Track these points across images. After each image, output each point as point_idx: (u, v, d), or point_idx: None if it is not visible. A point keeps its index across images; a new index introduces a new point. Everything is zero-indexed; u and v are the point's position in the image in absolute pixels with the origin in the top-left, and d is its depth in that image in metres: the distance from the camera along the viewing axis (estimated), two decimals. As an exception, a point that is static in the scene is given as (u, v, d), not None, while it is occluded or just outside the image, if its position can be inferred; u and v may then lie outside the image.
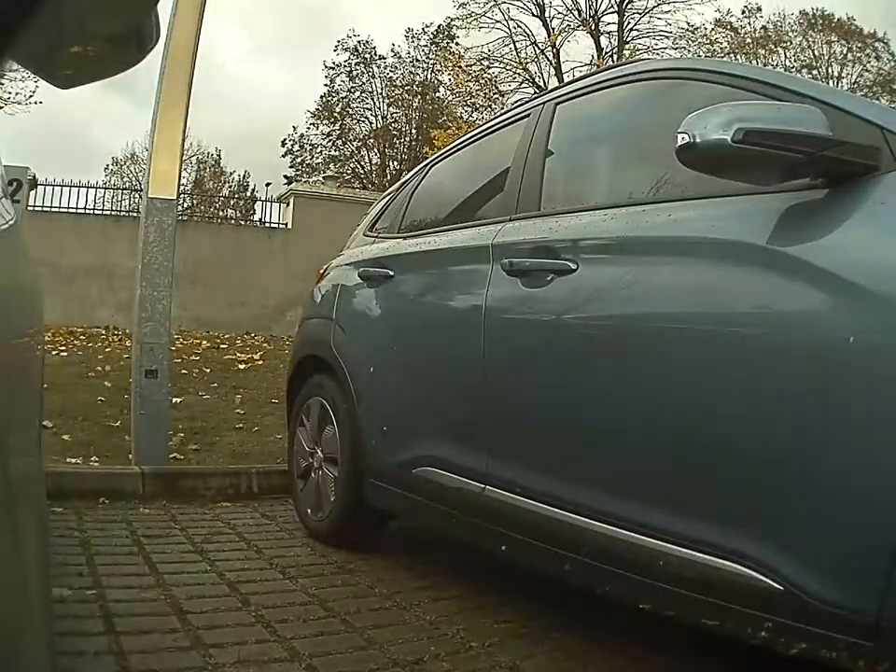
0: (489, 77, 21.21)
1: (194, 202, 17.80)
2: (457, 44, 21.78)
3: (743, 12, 21.99)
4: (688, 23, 20.95)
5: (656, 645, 1.83)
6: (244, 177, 24.26)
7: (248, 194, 19.24)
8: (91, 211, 12.11)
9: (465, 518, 2.07)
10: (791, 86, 1.57)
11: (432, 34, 23.60)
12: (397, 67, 24.21)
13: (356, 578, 2.34)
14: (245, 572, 2.31)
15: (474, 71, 21.01)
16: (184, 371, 6.05)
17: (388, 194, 3.16)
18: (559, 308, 1.84)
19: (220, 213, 16.50)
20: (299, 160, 25.12)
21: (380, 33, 33.63)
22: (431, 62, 23.55)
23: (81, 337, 8.20)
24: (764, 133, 1.34)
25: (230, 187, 24.56)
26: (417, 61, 24.04)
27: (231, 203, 18.95)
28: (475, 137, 2.69)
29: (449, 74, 21.95)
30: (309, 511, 2.77)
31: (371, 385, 2.51)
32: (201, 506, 3.17)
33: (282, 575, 2.32)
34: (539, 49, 21.24)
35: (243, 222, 14.77)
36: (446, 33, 22.91)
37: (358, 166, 25.25)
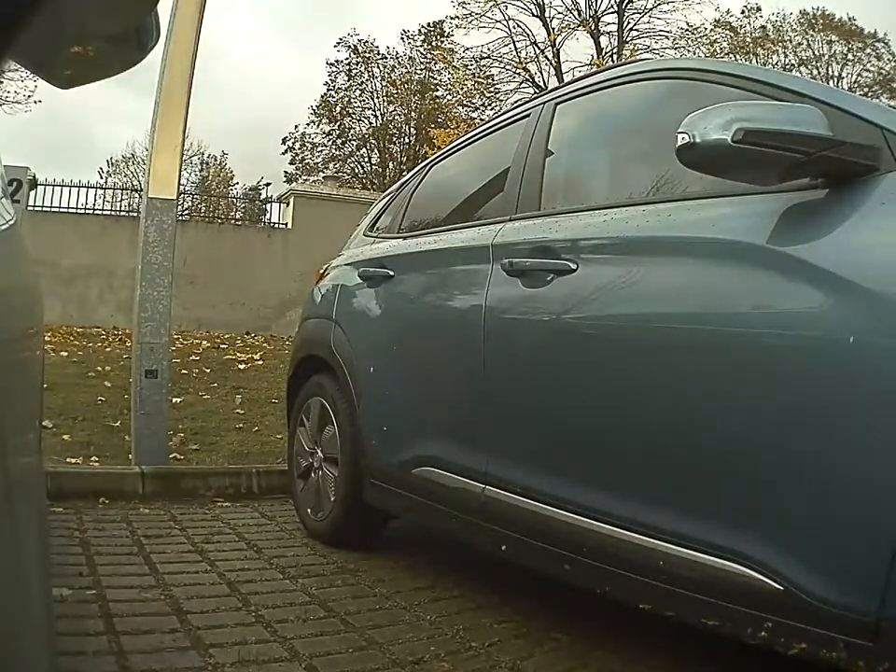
0: (486, 74, 21.21)
1: (194, 202, 17.80)
2: (452, 41, 21.82)
3: (742, 12, 22.04)
4: (687, 23, 21.01)
5: (657, 645, 1.83)
6: (258, 185, 24.24)
7: (257, 198, 19.12)
8: (91, 211, 12.12)
9: (465, 518, 2.07)
10: (790, 86, 1.57)
11: (425, 32, 23.63)
12: (396, 67, 24.25)
13: (356, 578, 2.34)
14: (245, 572, 2.31)
15: (470, 69, 21.04)
16: (184, 371, 6.05)
17: (388, 194, 3.16)
18: (559, 308, 1.84)
19: (223, 214, 16.45)
20: (299, 157, 25.17)
21: (389, 27, 33.59)
22: (428, 61, 23.58)
23: (81, 337, 8.19)
24: (764, 133, 1.34)
25: (241, 188, 24.54)
26: (412, 59, 24.07)
27: (237, 205, 18.88)
28: (475, 137, 2.69)
29: (447, 72, 22.00)
30: (309, 510, 2.77)
31: (371, 385, 2.51)
32: (201, 506, 3.17)
33: (282, 575, 2.32)
34: (538, 48, 21.26)
35: (243, 222, 14.73)
36: (437, 30, 22.91)
37: (358, 166, 25.28)
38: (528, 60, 21.35)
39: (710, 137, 1.36)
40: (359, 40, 24.18)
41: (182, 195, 13.18)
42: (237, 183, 25.62)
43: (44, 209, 11.44)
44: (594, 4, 21.11)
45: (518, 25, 20.98)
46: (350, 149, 25.12)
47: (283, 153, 25.10)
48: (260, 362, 7.09)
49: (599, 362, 1.73)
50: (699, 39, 21.15)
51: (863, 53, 21.35)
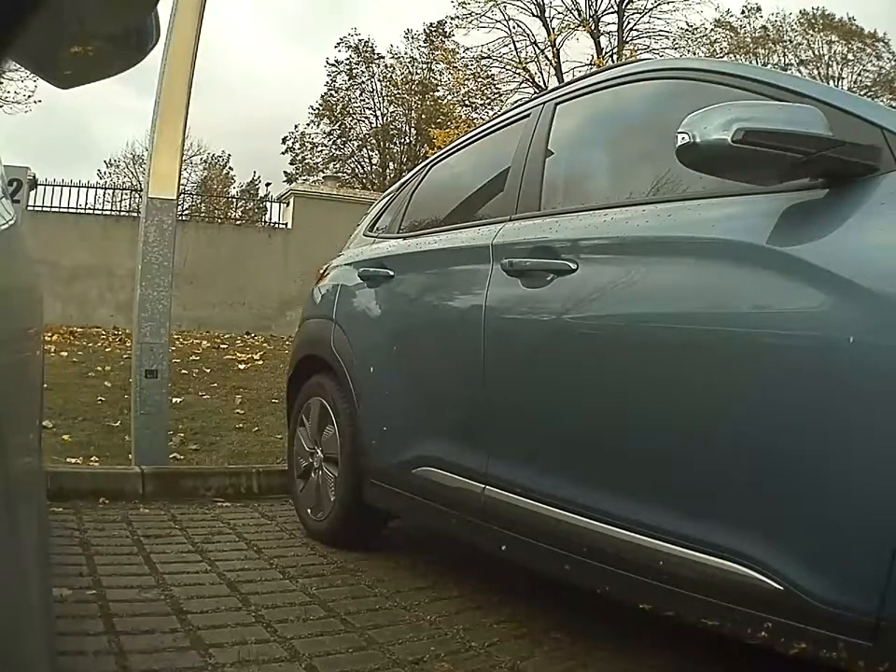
0: (486, 74, 21.22)
1: (194, 202, 17.80)
2: (454, 41, 21.82)
3: (742, 12, 22.06)
4: (687, 23, 21.02)
5: (657, 645, 1.83)
6: (254, 180, 24.26)
7: (257, 197, 19.16)
8: (91, 211, 12.12)
9: (465, 518, 2.07)
10: (790, 86, 1.57)
11: (427, 32, 23.64)
12: (396, 67, 24.26)
13: (356, 578, 2.34)
14: (245, 572, 2.31)
15: (471, 69, 21.05)
16: (184, 371, 6.05)
17: (388, 194, 3.16)
18: (559, 308, 1.83)
19: (224, 214, 16.45)
20: (299, 157, 25.18)
21: (389, 26, 33.51)
22: (429, 61, 23.59)
23: (81, 337, 8.19)
24: (764, 132, 1.34)
25: (238, 188, 24.63)
26: (415, 60, 24.09)
27: (236, 204, 18.91)
28: (475, 137, 2.69)
29: (447, 72, 22.01)
30: (309, 511, 2.77)
31: (371, 385, 2.51)
32: (201, 506, 3.17)
33: (282, 575, 2.32)
34: (538, 48, 21.26)
35: (243, 222, 14.73)
36: (440, 30, 22.90)
37: (358, 166, 25.29)
38: (528, 60, 21.36)
39: (710, 137, 1.36)
40: (360, 40, 24.24)
41: (182, 195, 13.17)
42: (236, 182, 25.74)
43: (44, 209, 11.43)
44: (594, 4, 21.12)
45: (518, 25, 21.00)
46: (350, 149, 25.14)
47: (283, 153, 25.16)
48: (260, 362, 7.09)
49: (599, 362, 1.73)
50: (699, 39, 21.18)
51: (863, 53, 21.35)
